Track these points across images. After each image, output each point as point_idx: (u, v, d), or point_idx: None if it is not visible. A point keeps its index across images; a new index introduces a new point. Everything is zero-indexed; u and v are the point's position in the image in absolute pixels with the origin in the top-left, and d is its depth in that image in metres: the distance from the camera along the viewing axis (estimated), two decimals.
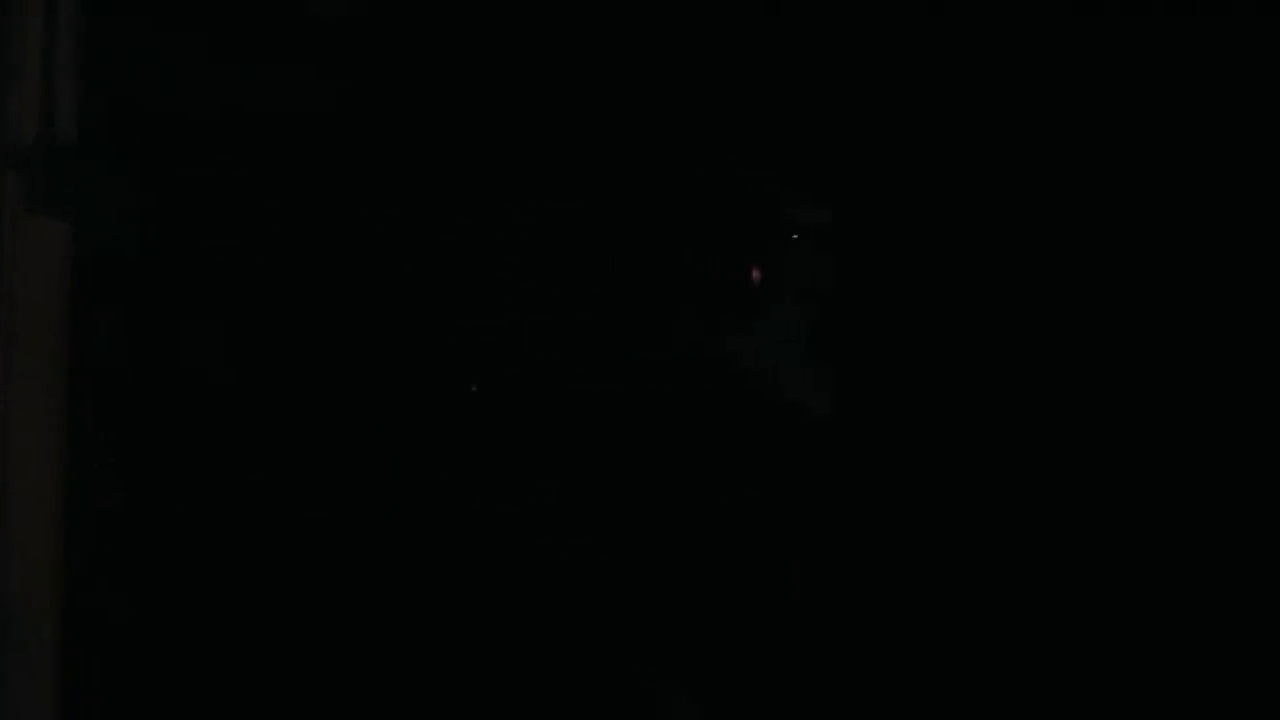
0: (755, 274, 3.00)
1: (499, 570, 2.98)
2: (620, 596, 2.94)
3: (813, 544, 2.98)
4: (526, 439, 3.03)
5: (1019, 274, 3.23)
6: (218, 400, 3.13)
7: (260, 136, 3.18)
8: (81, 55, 2.91)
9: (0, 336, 2.84)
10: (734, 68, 3.19)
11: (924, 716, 3.10)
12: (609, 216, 3.10)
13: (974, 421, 3.27)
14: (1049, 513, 3.27)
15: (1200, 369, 3.31)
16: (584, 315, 3.10)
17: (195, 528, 3.11)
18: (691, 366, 2.93)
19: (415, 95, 3.25)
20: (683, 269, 3.05)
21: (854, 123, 3.19)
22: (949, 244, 3.23)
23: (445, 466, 3.09)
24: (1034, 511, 3.27)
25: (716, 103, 3.15)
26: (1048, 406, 3.25)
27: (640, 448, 2.92)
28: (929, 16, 3.29)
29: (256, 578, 3.13)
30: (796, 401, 2.98)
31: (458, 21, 3.27)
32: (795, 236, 3.01)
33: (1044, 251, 3.24)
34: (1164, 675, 3.21)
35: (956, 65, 3.21)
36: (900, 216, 3.21)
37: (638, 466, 2.92)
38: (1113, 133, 3.27)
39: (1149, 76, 3.28)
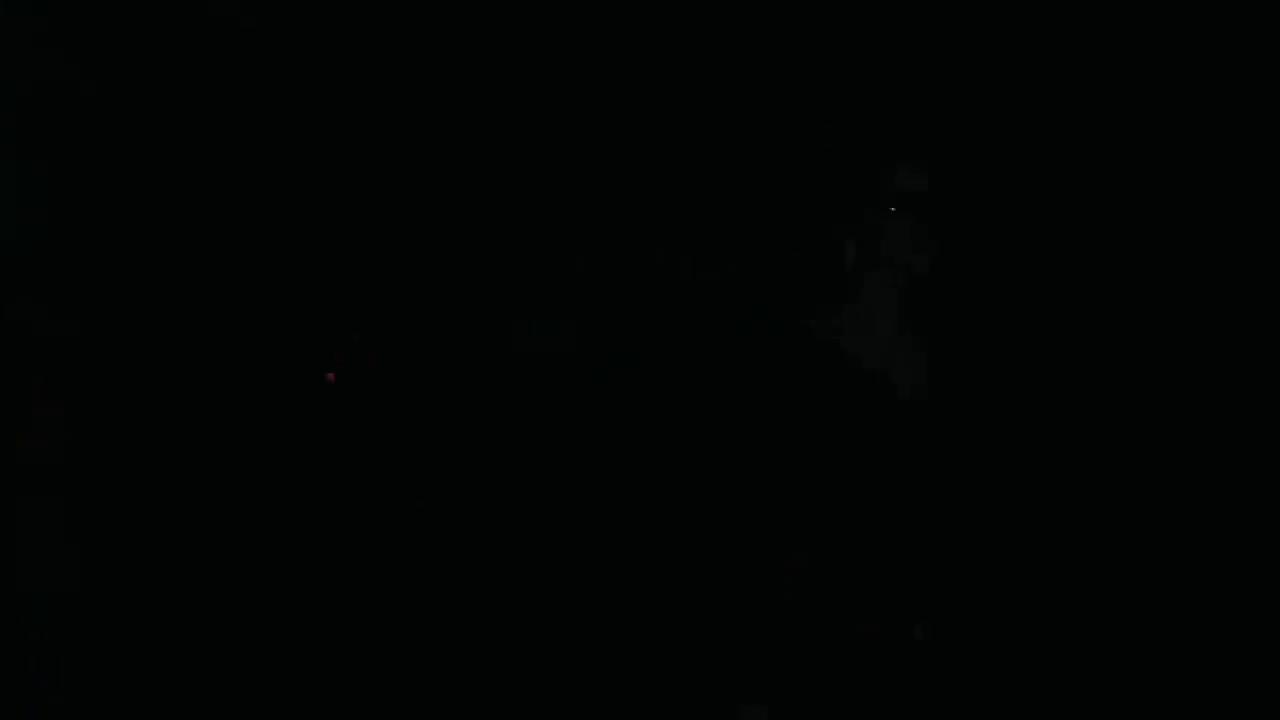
0: (849, 248, 2.82)
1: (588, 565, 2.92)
2: (700, 584, 2.78)
3: (901, 529, 2.81)
4: (616, 423, 2.96)
5: (1127, 255, 3.08)
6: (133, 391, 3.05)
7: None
8: None
9: None
10: (830, 31, 3.07)
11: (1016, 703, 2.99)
12: (702, 190, 3.02)
13: (1070, 408, 3.15)
14: (1144, 501, 3.15)
15: None
16: (673, 290, 3.02)
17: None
18: (781, 344, 2.75)
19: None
20: (772, 243, 2.89)
21: (958, 88, 3.05)
22: (1055, 219, 3.08)
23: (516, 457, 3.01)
24: (1129, 500, 3.15)
25: (810, 69, 3.04)
26: (1149, 399, 3.12)
27: (726, 430, 2.75)
28: None
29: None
30: (888, 383, 2.80)
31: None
32: (892, 208, 2.82)
33: (1155, 232, 3.10)
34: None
35: (1072, 28, 3.05)
36: (1004, 188, 3.07)
37: (723, 451, 2.75)
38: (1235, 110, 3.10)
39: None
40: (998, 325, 3.14)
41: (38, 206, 3.08)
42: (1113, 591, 3.16)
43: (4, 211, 2.99)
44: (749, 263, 2.89)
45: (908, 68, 3.22)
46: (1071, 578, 3.15)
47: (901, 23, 3.20)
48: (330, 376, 3.13)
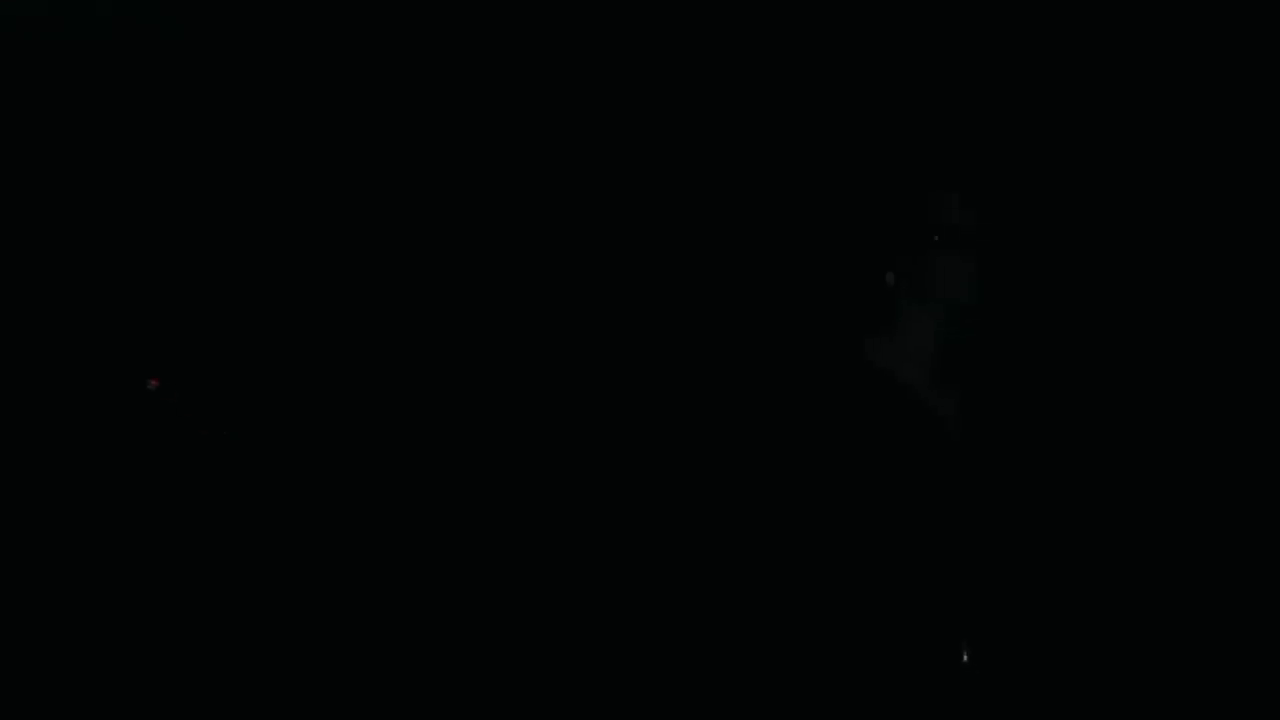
0: (892, 277, 2.82)
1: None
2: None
3: (940, 554, 2.80)
4: (660, 439, 2.95)
5: (1178, 291, 3.06)
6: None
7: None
8: None
9: None
10: (876, 59, 3.06)
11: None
12: (747, 214, 3.02)
13: (1109, 446, 3.14)
14: (1190, 536, 3.12)
15: None
16: (723, 314, 3.02)
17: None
18: (826, 371, 2.75)
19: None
20: (819, 270, 2.89)
21: (1008, 120, 3.04)
22: (1102, 253, 3.06)
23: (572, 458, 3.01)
24: (1171, 535, 3.13)
25: (858, 96, 3.03)
26: (1196, 436, 3.09)
27: (768, 451, 2.76)
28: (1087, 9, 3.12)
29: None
30: (929, 411, 2.80)
31: None
32: (936, 238, 2.83)
33: (1208, 265, 3.07)
34: None
35: (1121, 58, 3.04)
36: (1051, 222, 3.05)
37: (766, 470, 2.76)
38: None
39: None
40: (1040, 360, 3.14)
41: None
42: (1155, 622, 3.14)
43: None
44: (795, 290, 2.90)
45: (954, 97, 3.22)
46: (1111, 620, 3.14)
47: (950, 52, 3.20)
48: (154, 382, 3.13)
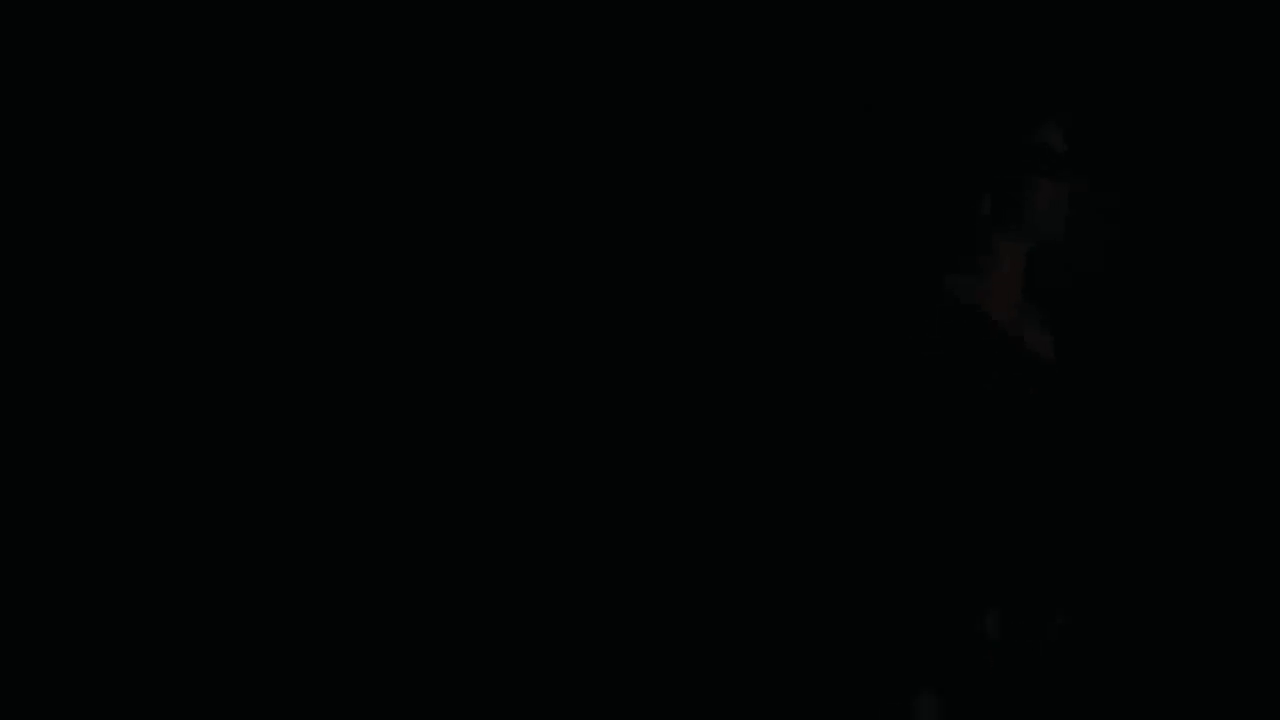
0: (985, 206, 2.67)
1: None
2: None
3: (1034, 500, 2.66)
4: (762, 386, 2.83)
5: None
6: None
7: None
8: None
9: None
10: None
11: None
12: (830, 146, 2.89)
13: (1202, 392, 3.00)
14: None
15: None
16: (805, 250, 2.90)
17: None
18: (915, 306, 2.60)
19: None
20: (907, 199, 2.74)
21: (1106, 40, 2.89)
22: (1207, 191, 2.91)
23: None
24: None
25: (948, 23, 2.89)
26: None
27: (856, 395, 2.60)
28: None
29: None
30: (1021, 349, 2.65)
31: None
32: (1032, 165, 2.67)
33: None
34: None
35: None
36: (1148, 153, 2.91)
37: (857, 417, 2.60)
38: None
39: None
40: (1134, 299, 2.99)
41: None
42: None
43: None
44: (878, 222, 2.76)
45: (1052, 19, 3.08)
46: (1205, 563, 3.00)
47: None
48: None
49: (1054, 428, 2.70)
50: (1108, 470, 2.87)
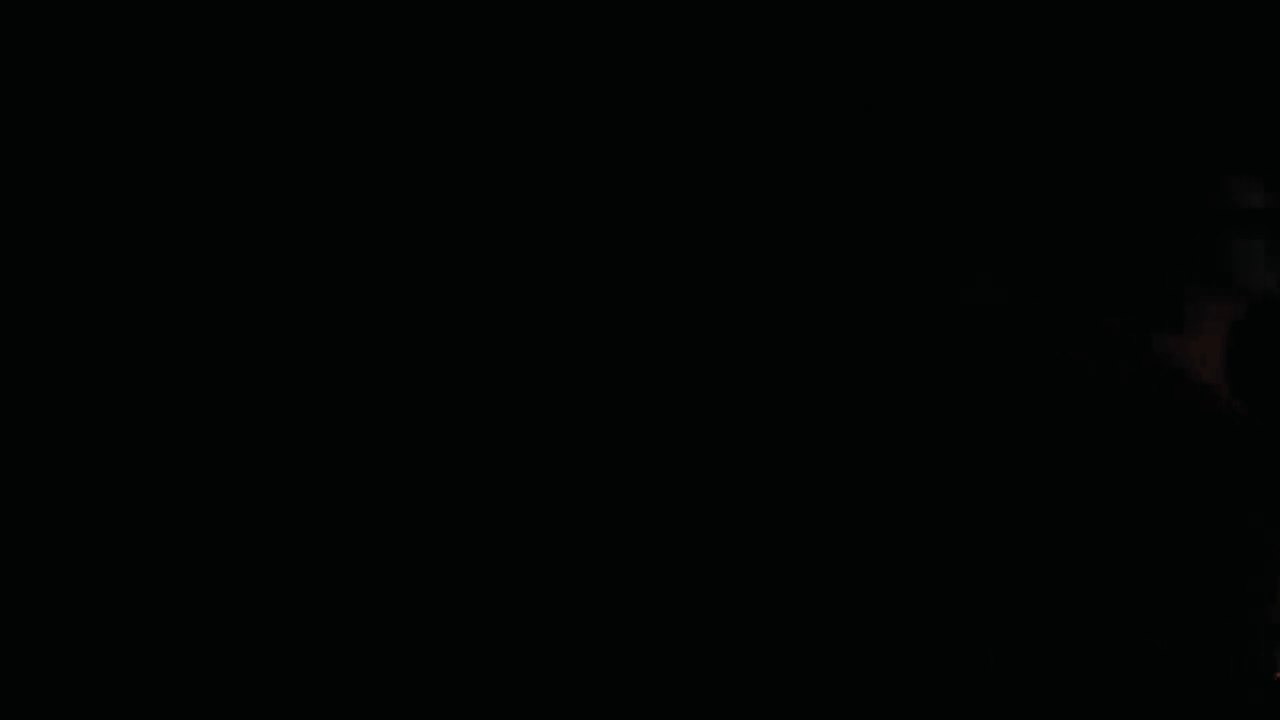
0: (1180, 265, 2.59)
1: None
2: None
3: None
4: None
5: None
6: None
7: None
8: None
9: None
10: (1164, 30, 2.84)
11: None
12: (1013, 201, 2.84)
13: None
14: None
15: None
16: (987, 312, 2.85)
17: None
18: (1121, 366, 2.52)
19: None
20: (1106, 262, 2.66)
21: None
22: None
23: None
24: None
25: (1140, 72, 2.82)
26: None
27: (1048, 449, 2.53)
28: None
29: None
30: (1228, 409, 2.56)
31: None
32: (1237, 224, 2.59)
33: None
34: None
35: None
36: None
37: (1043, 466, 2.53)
38: None
39: None
40: None
41: None
42: None
43: None
44: (1081, 282, 2.69)
45: (1247, 67, 2.99)
46: None
47: (1240, 20, 2.96)
48: None
49: (1252, 490, 2.61)
50: None
